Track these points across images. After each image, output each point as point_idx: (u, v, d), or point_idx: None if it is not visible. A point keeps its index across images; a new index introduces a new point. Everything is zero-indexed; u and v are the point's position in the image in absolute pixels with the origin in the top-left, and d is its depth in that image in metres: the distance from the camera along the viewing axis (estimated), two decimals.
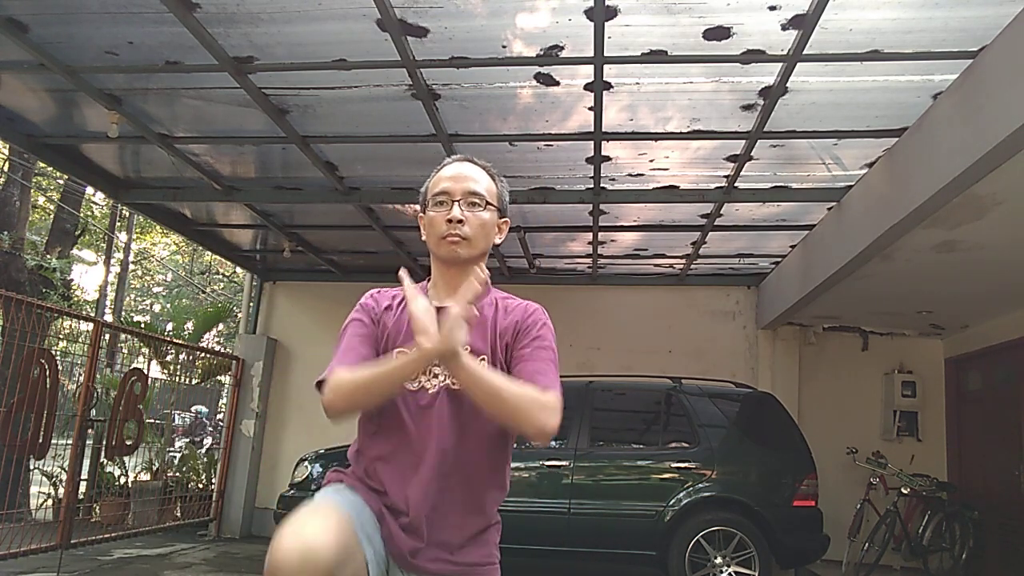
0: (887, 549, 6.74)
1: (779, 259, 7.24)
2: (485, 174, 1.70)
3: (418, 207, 1.75)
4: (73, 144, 5.55)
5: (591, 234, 6.71)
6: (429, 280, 1.72)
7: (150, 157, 5.68)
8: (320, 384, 1.54)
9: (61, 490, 6.91)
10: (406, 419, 1.55)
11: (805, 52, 3.63)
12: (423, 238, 1.70)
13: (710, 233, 6.51)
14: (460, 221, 1.62)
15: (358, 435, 1.65)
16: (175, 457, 8.61)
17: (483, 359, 1.56)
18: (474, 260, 1.67)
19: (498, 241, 1.73)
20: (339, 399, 1.48)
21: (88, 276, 20.25)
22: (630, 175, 5.39)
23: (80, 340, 7.02)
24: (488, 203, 1.67)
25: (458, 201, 1.63)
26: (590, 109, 4.39)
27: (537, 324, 1.63)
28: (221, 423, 10.87)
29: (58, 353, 6.75)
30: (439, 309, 1.57)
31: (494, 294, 1.70)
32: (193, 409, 14.96)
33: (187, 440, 11.22)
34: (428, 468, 1.52)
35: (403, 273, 1.54)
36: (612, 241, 7.03)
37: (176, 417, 10.91)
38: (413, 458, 1.53)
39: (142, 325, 9.05)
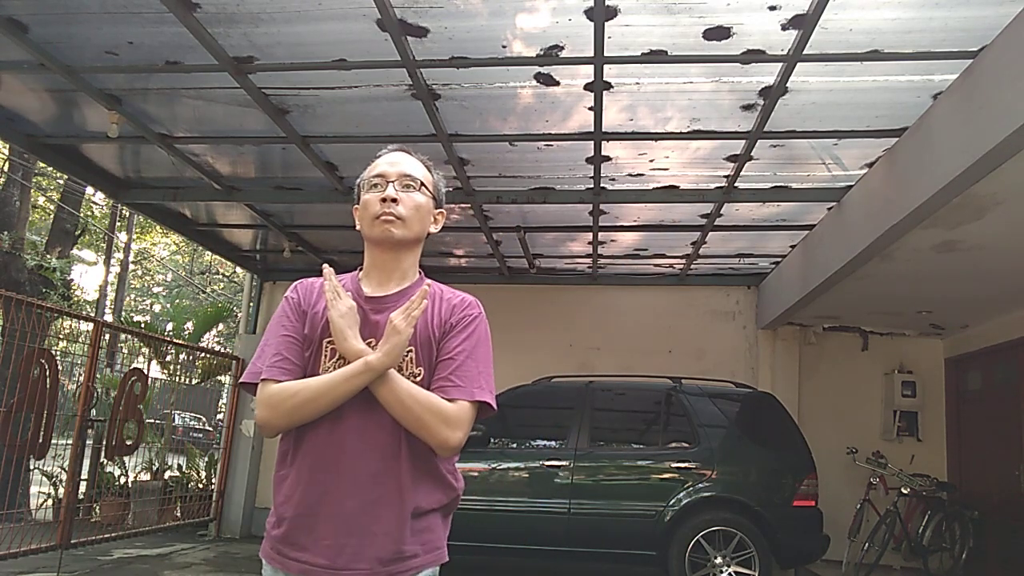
0: (887, 549, 6.74)
1: (779, 259, 7.24)
2: (421, 164, 1.72)
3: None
4: (73, 144, 5.55)
5: (591, 234, 6.71)
6: (361, 269, 1.71)
7: (150, 157, 5.68)
8: (245, 386, 1.56)
9: (61, 490, 6.91)
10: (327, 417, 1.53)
11: (805, 52, 3.63)
12: (357, 227, 1.69)
13: (710, 233, 6.51)
14: (395, 200, 1.62)
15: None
16: (180, 466, 8.60)
17: (409, 351, 1.56)
18: (407, 244, 1.65)
19: (434, 230, 1.72)
20: (278, 417, 1.50)
21: (88, 276, 20.28)
22: (630, 175, 5.39)
23: (80, 340, 7.02)
24: (423, 186, 1.67)
25: (393, 182, 1.64)
26: (590, 109, 4.39)
27: (469, 318, 1.62)
28: (221, 423, 10.86)
29: (58, 353, 6.75)
30: (372, 298, 1.60)
31: (433, 287, 1.68)
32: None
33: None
34: (338, 465, 1.51)
35: (327, 269, 1.56)
36: (612, 241, 7.03)
37: (177, 418, 10.90)
38: (327, 453, 1.53)
39: (142, 325, 9.05)
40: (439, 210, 1.74)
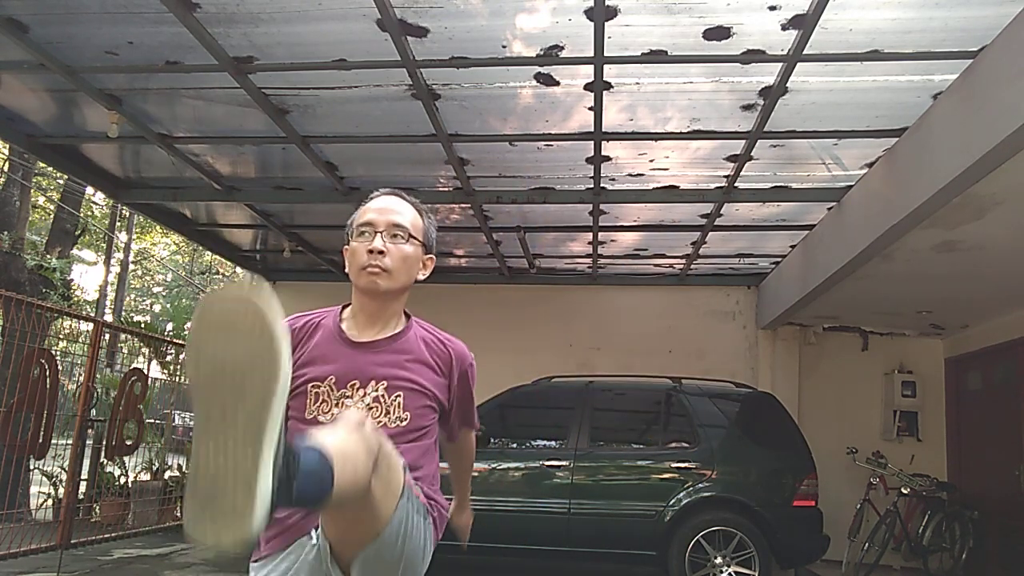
0: (887, 549, 6.74)
1: (779, 259, 7.24)
2: (412, 209, 1.70)
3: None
4: (73, 144, 5.55)
5: (591, 234, 6.71)
6: (346, 307, 1.71)
7: (150, 157, 5.68)
8: None
9: (61, 490, 6.91)
10: None
11: (805, 52, 3.62)
12: (345, 270, 1.69)
13: (710, 233, 6.51)
14: (381, 252, 1.61)
15: None
16: (180, 466, 8.59)
17: (398, 396, 1.58)
18: (393, 293, 1.66)
19: (421, 277, 1.73)
20: None
21: (88, 276, 20.27)
22: (630, 175, 5.39)
23: (80, 340, 7.02)
24: (412, 236, 1.67)
25: (381, 232, 1.63)
26: (590, 109, 4.39)
27: (472, 369, 1.73)
28: None
29: (58, 353, 6.75)
30: (358, 343, 1.62)
31: (416, 327, 1.71)
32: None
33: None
34: None
35: None
36: (612, 241, 7.03)
37: (177, 418, 10.90)
38: None
39: (142, 325, 9.04)
40: (428, 255, 1.74)
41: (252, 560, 1.56)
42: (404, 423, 1.57)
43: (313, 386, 1.58)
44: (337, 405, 1.56)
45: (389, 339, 1.64)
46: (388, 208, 1.67)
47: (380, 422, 1.54)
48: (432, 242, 1.75)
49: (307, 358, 1.61)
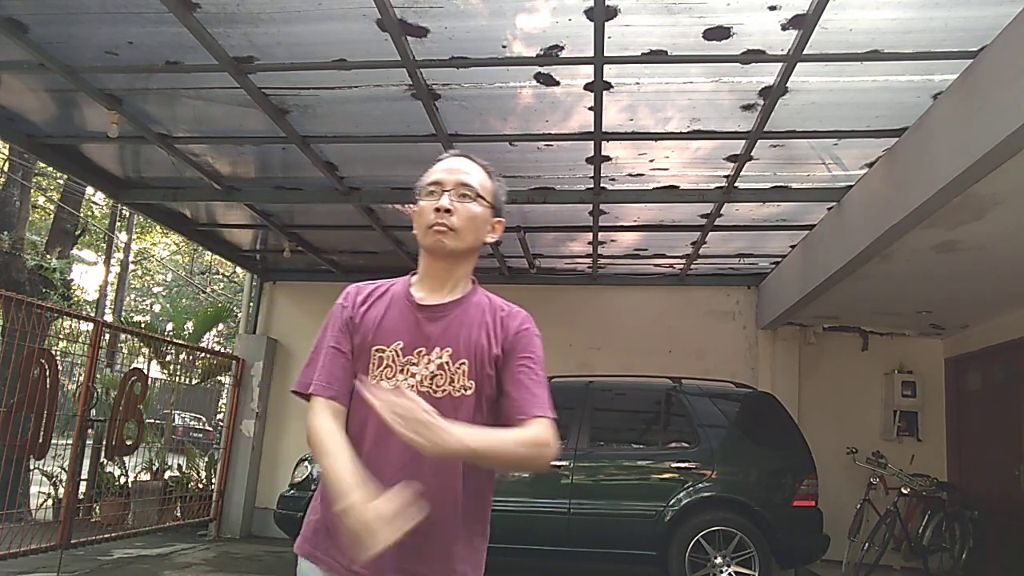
0: (887, 549, 6.74)
1: (779, 259, 7.24)
2: (481, 170, 1.67)
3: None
4: (73, 144, 5.55)
5: (591, 234, 6.71)
6: (415, 273, 1.68)
7: (150, 157, 5.68)
8: (296, 393, 1.58)
9: (61, 490, 6.91)
10: (370, 426, 1.50)
11: (805, 52, 3.63)
12: (414, 231, 1.67)
13: (710, 233, 6.51)
14: (448, 211, 1.58)
15: None
16: (180, 466, 8.60)
17: (462, 363, 1.54)
18: (461, 254, 1.62)
19: (490, 240, 1.69)
20: (310, 443, 1.54)
21: (88, 276, 20.27)
22: (630, 175, 5.39)
23: (80, 340, 7.02)
24: (479, 196, 1.63)
25: (448, 191, 1.60)
26: (590, 109, 4.39)
27: (531, 337, 1.62)
28: (221, 423, 10.87)
29: (58, 353, 6.75)
30: (425, 307, 1.58)
31: (480, 294, 1.66)
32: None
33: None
34: (387, 481, 1.43)
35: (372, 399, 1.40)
36: (612, 241, 7.03)
37: (177, 418, 10.90)
38: (373, 468, 1.46)
39: (142, 325, 9.05)
40: (497, 218, 1.68)
41: (302, 550, 1.57)
42: (469, 392, 1.53)
43: (377, 351, 1.56)
44: (402, 372, 1.53)
45: (454, 303, 1.61)
46: (456, 168, 1.64)
47: (444, 390, 1.52)
48: (501, 205, 1.69)
49: (372, 324, 1.59)
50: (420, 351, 1.54)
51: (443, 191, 1.60)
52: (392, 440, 1.37)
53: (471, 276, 1.68)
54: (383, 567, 1.44)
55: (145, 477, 7.96)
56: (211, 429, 15.72)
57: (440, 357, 1.54)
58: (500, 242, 7.44)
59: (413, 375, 1.53)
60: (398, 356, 1.55)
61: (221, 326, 16.23)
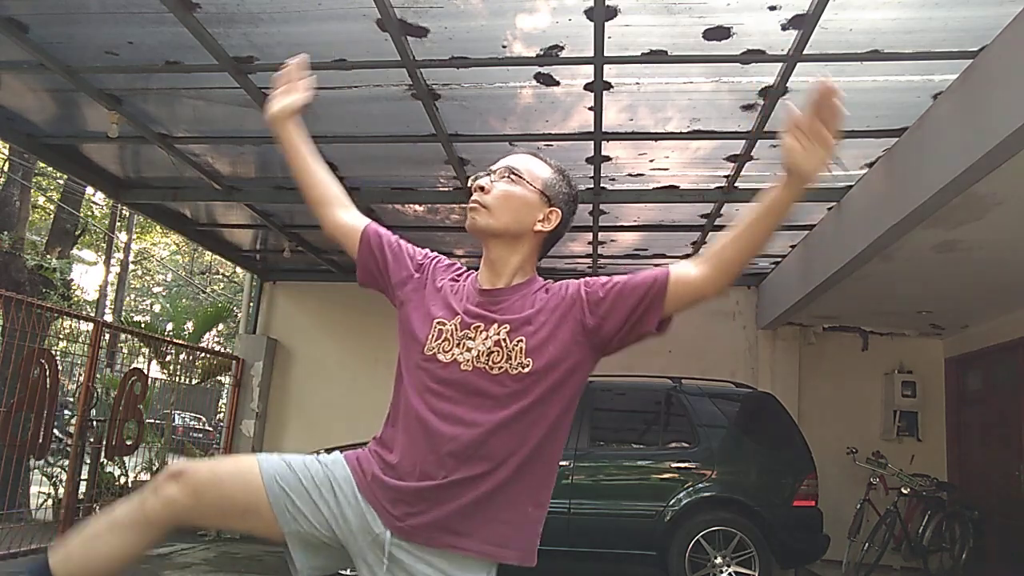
0: (887, 549, 6.74)
1: (779, 259, 7.24)
2: (536, 159, 1.68)
3: None
4: (73, 144, 5.55)
5: (591, 234, 6.71)
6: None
7: (150, 157, 5.68)
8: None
9: (61, 490, 6.91)
10: (426, 390, 1.53)
11: (805, 52, 3.63)
12: None
13: (710, 233, 6.51)
14: (482, 188, 1.62)
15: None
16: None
17: (520, 341, 1.52)
18: (495, 233, 1.61)
19: (539, 228, 1.64)
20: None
21: (88, 276, 20.25)
22: (630, 175, 5.39)
23: (80, 340, 7.02)
24: (521, 178, 1.62)
25: (493, 172, 1.64)
26: (590, 109, 4.39)
27: (595, 279, 1.60)
28: (221, 423, 10.86)
29: (58, 353, 6.75)
30: (485, 291, 1.60)
31: (539, 284, 1.66)
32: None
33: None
34: (438, 442, 1.48)
35: None
36: (612, 241, 7.03)
37: (177, 418, 10.90)
38: (423, 428, 1.51)
39: (142, 325, 9.04)
40: (551, 208, 1.63)
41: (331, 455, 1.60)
42: (526, 369, 1.50)
43: (438, 323, 1.58)
44: (459, 345, 1.54)
45: (514, 288, 1.61)
46: (512, 158, 1.68)
47: (501, 367, 1.50)
48: (557, 196, 1.64)
49: (438, 295, 1.62)
50: (478, 327, 1.55)
51: (489, 173, 1.65)
52: (450, 399, 1.49)
53: (532, 268, 1.68)
54: (428, 524, 1.47)
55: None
56: (211, 429, 15.70)
57: (498, 333, 1.54)
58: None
59: (469, 349, 1.53)
60: (456, 329, 1.56)
61: (221, 326, 16.25)
